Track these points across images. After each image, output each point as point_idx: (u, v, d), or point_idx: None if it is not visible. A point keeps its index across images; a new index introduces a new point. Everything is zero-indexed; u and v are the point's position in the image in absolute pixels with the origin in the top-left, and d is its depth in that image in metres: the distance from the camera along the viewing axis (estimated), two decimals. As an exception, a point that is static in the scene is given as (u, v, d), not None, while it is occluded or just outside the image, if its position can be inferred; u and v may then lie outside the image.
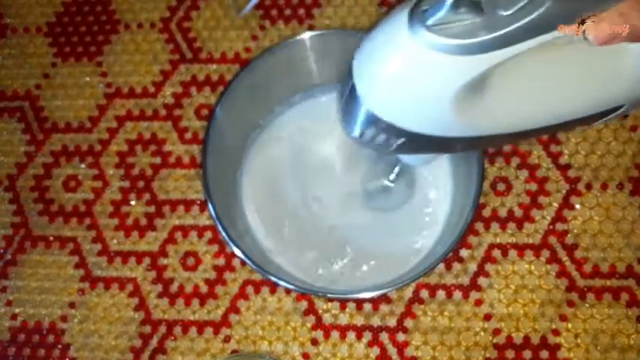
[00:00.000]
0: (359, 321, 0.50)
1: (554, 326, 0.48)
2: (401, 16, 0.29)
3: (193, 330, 0.51)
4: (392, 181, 0.49)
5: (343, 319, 0.50)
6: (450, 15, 0.27)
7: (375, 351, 0.49)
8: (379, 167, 0.50)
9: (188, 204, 0.54)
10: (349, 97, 0.32)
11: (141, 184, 0.55)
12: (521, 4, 0.27)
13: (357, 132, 0.33)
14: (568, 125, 0.36)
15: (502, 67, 0.29)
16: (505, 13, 0.27)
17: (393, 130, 0.32)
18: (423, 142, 0.32)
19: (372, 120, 0.32)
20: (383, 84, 0.30)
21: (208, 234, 0.53)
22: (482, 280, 0.49)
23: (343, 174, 0.52)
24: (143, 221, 0.54)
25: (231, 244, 0.44)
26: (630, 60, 0.32)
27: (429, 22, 0.27)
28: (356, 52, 0.32)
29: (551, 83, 0.34)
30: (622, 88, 0.34)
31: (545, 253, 0.49)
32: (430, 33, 0.27)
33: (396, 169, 0.48)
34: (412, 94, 0.30)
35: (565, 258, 0.49)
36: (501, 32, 0.27)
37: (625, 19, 0.27)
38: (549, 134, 0.35)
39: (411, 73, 0.29)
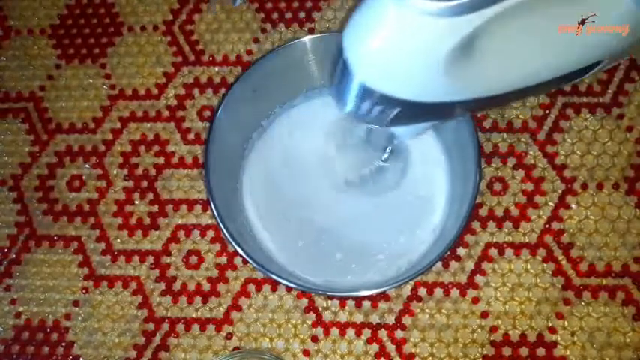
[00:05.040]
0: (358, 318, 0.50)
1: (550, 324, 0.48)
2: None
3: (196, 327, 0.52)
4: (385, 161, 0.50)
5: (343, 317, 0.50)
6: None
7: (374, 347, 0.49)
8: (371, 153, 0.51)
9: (191, 203, 0.55)
10: (342, 74, 0.32)
11: (144, 184, 0.56)
12: None
13: (351, 106, 0.33)
14: (554, 83, 0.36)
15: (490, 26, 0.28)
16: None
17: (387, 101, 0.31)
18: (418, 110, 0.32)
19: (366, 93, 0.31)
20: (373, 54, 0.30)
21: (210, 233, 0.54)
22: (479, 278, 0.50)
23: (343, 173, 0.52)
24: (146, 220, 0.55)
25: (233, 242, 0.45)
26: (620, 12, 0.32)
27: None
28: (345, 28, 0.31)
29: (537, 41, 0.33)
30: (611, 43, 0.34)
31: (542, 252, 0.50)
32: None
33: (388, 149, 0.48)
34: (403, 61, 0.29)
35: (561, 257, 0.50)
36: None
37: None
38: (537, 94, 0.35)
39: (399, 40, 0.28)
